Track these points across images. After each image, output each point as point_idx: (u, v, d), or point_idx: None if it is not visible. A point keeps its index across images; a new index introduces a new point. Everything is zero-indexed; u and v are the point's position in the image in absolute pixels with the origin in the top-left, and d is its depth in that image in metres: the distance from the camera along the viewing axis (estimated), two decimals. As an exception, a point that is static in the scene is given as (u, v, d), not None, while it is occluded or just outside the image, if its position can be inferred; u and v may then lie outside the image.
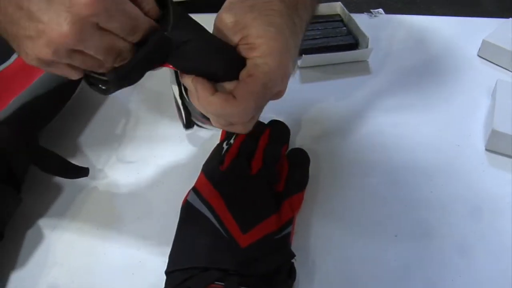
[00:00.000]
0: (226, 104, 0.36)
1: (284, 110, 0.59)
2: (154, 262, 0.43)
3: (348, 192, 0.50)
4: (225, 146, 0.50)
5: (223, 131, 0.53)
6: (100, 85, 0.36)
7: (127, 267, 0.44)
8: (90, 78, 0.37)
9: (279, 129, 0.52)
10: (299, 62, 0.65)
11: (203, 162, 0.49)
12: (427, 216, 0.48)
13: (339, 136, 0.57)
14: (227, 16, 0.37)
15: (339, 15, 0.73)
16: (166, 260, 0.42)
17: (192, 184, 0.47)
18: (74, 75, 0.35)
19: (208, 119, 0.41)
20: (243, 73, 0.37)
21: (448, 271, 0.44)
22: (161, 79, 0.44)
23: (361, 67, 0.67)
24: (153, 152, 0.54)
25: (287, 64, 0.37)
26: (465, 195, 0.51)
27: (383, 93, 0.63)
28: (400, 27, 0.75)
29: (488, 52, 0.68)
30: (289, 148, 0.52)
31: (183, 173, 0.51)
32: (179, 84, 0.41)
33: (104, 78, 0.35)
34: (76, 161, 0.50)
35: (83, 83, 0.39)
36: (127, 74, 0.35)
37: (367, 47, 0.66)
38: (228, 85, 0.37)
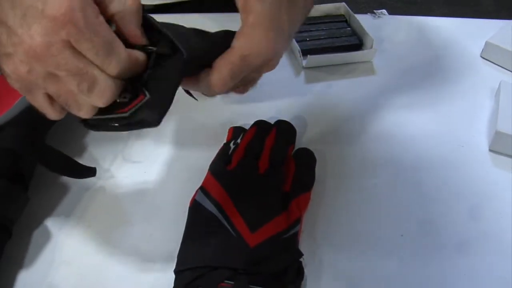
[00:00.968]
0: (205, 74, 0.37)
1: (289, 110, 0.60)
2: (162, 261, 0.44)
3: (354, 192, 0.51)
4: (232, 146, 0.50)
5: (229, 131, 0.54)
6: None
7: (135, 266, 0.44)
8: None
9: (285, 129, 0.52)
10: (304, 63, 0.65)
11: (209, 162, 0.50)
12: (432, 217, 0.49)
13: (345, 136, 0.57)
14: None
15: (343, 15, 0.74)
16: (174, 259, 0.42)
17: (199, 184, 0.47)
18: (52, 112, 0.34)
19: None
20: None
21: (451, 271, 0.44)
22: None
23: (365, 68, 0.67)
24: (159, 151, 0.54)
25: (273, 38, 0.37)
26: (468, 195, 0.51)
27: (388, 94, 0.63)
28: (404, 28, 0.75)
29: (491, 54, 0.68)
30: (295, 148, 0.52)
31: (190, 172, 0.51)
32: None
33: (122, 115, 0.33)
34: (82, 161, 0.50)
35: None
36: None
37: (371, 47, 0.66)
38: None
